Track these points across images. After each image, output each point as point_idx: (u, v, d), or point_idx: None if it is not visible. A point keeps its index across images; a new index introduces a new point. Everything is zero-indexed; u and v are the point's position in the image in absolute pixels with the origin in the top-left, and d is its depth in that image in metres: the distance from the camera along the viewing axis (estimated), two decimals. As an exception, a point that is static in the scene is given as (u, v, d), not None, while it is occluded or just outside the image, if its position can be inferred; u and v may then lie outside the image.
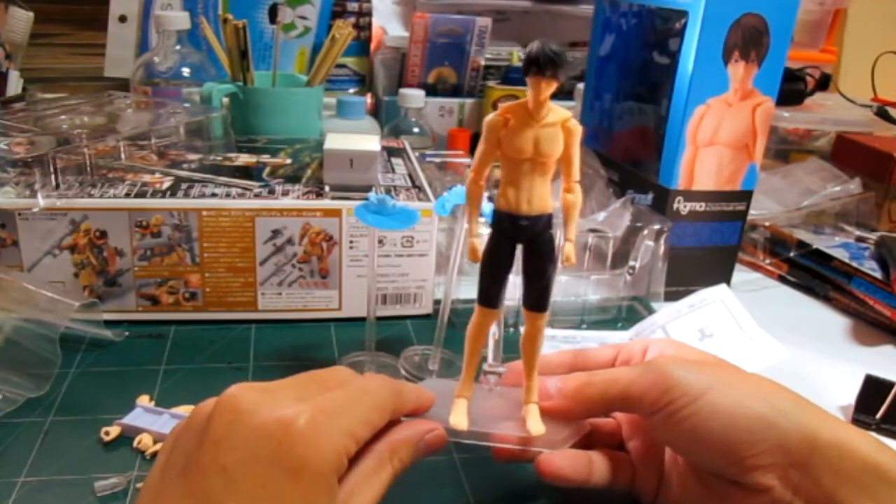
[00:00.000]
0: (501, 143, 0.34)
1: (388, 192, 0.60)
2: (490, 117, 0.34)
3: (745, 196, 0.68)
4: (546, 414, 0.38)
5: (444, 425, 0.37)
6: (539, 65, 0.31)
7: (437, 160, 0.84)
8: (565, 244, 0.35)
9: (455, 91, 1.02)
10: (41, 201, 0.53)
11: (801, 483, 0.32)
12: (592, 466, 0.39)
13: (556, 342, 0.57)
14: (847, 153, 0.86)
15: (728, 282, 0.69)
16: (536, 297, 0.36)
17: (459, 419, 0.37)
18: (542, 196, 0.34)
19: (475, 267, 0.64)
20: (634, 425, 0.41)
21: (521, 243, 0.35)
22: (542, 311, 0.36)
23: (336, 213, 0.56)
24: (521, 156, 0.33)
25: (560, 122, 0.34)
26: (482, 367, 0.41)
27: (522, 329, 0.37)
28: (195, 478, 0.28)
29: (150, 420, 0.45)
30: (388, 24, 1.05)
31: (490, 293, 0.36)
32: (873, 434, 0.35)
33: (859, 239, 0.76)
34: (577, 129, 0.34)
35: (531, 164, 0.34)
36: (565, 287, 0.63)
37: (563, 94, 1.06)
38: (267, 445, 0.28)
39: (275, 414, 0.29)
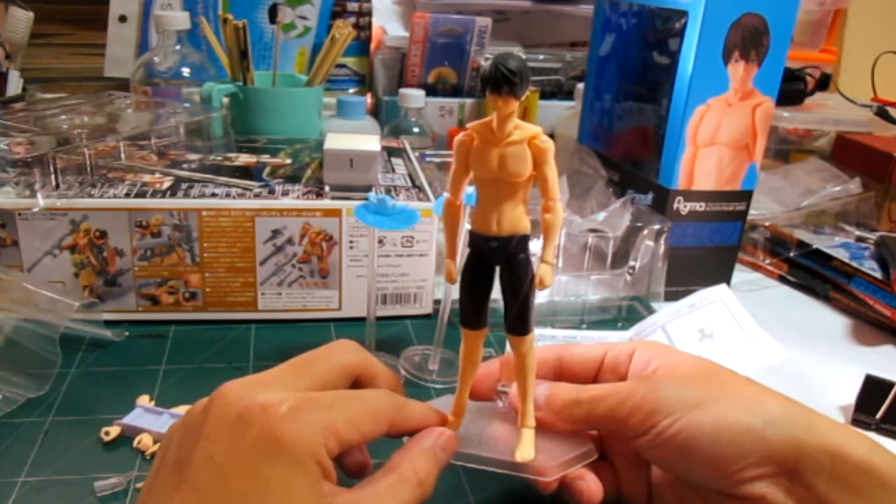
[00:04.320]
0: (469, 163, 0.33)
1: (388, 192, 0.60)
2: (458, 136, 0.33)
3: (745, 196, 0.68)
4: (553, 433, 0.37)
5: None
6: (492, 83, 0.30)
7: (437, 160, 0.84)
8: (540, 266, 0.33)
9: (455, 91, 1.02)
10: (41, 201, 0.53)
11: (793, 488, 0.32)
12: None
13: (556, 342, 0.57)
14: (847, 153, 0.86)
15: (728, 282, 0.69)
16: (512, 320, 0.35)
17: None
18: (513, 217, 0.33)
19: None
20: (616, 437, 0.41)
21: (496, 265, 0.34)
22: (522, 335, 0.35)
23: (336, 213, 0.56)
24: (486, 175, 0.33)
25: (526, 139, 0.32)
26: (497, 387, 0.40)
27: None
28: (186, 470, 0.29)
29: (150, 420, 0.45)
30: (388, 24, 1.05)
31: (468, 314, 0.35)
32: (872, 434, 0.35)
33: (859, 239, 0.76)
34: (547, 147, 0.32)
35: (498, 183, 0.33)
36: (565, 287, 0.63)
37: (563, 94, 1.07)
38: (249, 431, 0.29)
39: (258, 401, 0.30)
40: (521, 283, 0.34)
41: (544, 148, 0.32)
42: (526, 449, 0.36)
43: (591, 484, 0.37)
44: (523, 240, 0.34)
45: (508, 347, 0.43)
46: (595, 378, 0.41)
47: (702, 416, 0.34)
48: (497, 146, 0.32)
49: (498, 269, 0.34)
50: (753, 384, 0.36)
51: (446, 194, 0.35)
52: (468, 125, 0.33)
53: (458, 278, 0.35)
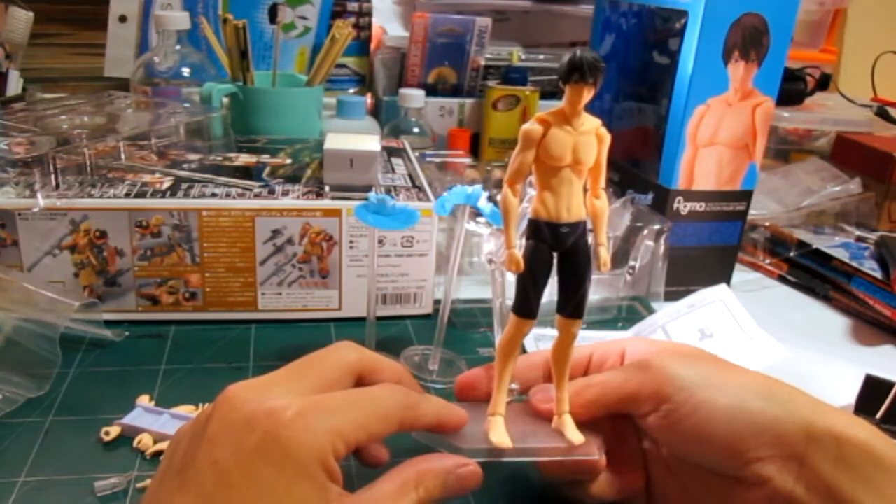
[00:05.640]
0: (538, 152, 0.34)
1: (388, 192, 0.60)
2: (528, 126, 0.34)
3: (745, 196, 0.68)
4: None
5: (485, 447, 0.36)
6: (583, 72, 0.31)
7: (437, 160, 0.84)
8: (599, 249, 0.35)
9: (455, 91, 1.02)
10: (41, 201, 0.53)
11: (800, 472, 0.32)
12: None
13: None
14: (847, 153, 0.86)
15: (728, 282, 0.69)
16: (576, 304, 0.36)
17: (501, 437, 0.36)
18: (579, 203, 0.35)
19: (475, 267, 0.64)
20: (611, 433, 0.40)
21: (560, 251, 0.35)
22: (580, 318, 0.36)
23: (336, 213, 0.56)
24: (560, 163, 0.34)
25: (594, 129, 0.34)
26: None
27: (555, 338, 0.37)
28: (190, 474, 0.29)
29: (150, 420, 0.45)
30: (388, 24, 1.05)
31: (532, 304, 0.36)
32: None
33: (859, 239, 0.76)
34: (608, 137, 0.34)
35: (568, 171, 0.34)
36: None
37: (561, 94, 1.06)
38: (253, 436, 0.29)
39: (264, 406, 0.30)
40: (585, 267, 0.35)
41: (606, 137, 0.34)
42: (574, 432, 0.36)
43: (638, 475, 0.38)
44: (585, 225, 0.35)
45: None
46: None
47: (715, 394, 0.34)
48: (571, 135, 0.33)
49: (557, 256, 0.35)
50: (754, 372, 0.36)
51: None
52: (537, 115, 0.34)
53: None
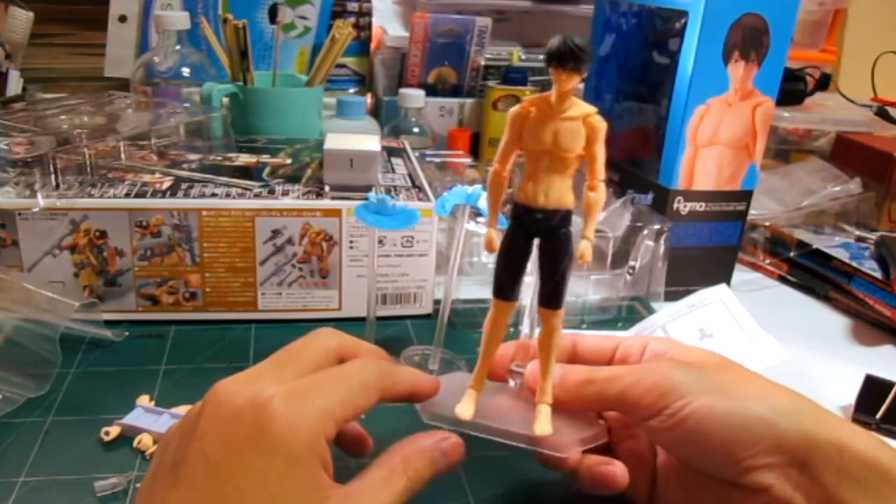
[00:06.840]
0: (523, 135, 0.34)
1: (388, 192, 0.60)
2: (513, 109, 0.34)
3: (745, 196, 0.68)
4: (566, 414, 0.37)
5: (448, 415, 0.36)
6: (559, 57, 0.31)
7: (437, 160, 0.84)
8: (581, 241, 0.34)
9: (455, 91, 1.02)
10: (41, 201, 0.53)
11: (801, 480, 0.32)
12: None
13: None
14: (847, 153, 0.86)
15: (728, 282, 0.69)
16: (549, 293, 0.35)
17: (465, 409, 0.36)
18: (561, 190, 0.34)
19: (475, 267, 0.64)
20: (623, 428, 0.41)
21: (537, 237, 0.35)
22: (555, 309, 0.36)
23: (336, 213, 0.56)
24: (539, 148, 0.33)
25: (582, 116, 0.33)
26: (511, 366, 0.41)
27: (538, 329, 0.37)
28: (182, 470, 0.29)
29: (150, 420, 0.45)
30: (388, 24, 1.05)
31: (504, 285, 0.36)
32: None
33: (859, 239, 0.76)
34: (600, 126, 0.34)
35: (550, 157, 0.33)
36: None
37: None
38: (242, 428, 0.29)
39: (250, 398, 0.30)
40: (560, 258, 0.35)
41: (598, 126, 0.34)
42: (544, 424, 0.36)
43: (618, 469, 0.38)
44: (567, 215, 0.34)
45: (525, 328, 0.43)
46: None
47: (715, 400, 0.34)
48: (553, 120, 0.33)
49: (537, 242, 0.35)
50: (763, 378, 0.37)
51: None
52: (525, 98, 0.34)
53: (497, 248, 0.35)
